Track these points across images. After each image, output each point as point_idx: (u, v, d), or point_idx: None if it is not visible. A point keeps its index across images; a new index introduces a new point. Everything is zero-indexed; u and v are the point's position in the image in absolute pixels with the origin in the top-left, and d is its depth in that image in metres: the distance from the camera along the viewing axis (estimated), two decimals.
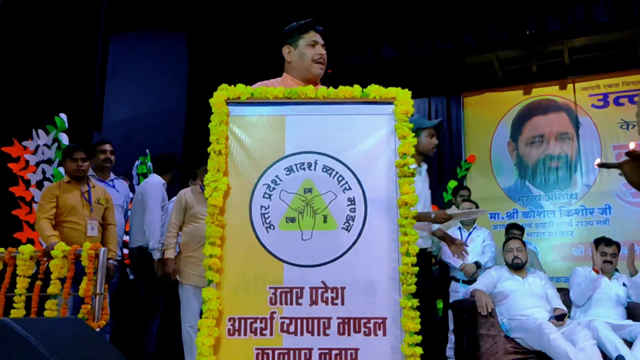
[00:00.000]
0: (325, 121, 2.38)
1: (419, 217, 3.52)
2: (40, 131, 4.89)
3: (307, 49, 2.62)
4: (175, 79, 6.70)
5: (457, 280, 5.34)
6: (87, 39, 5.60)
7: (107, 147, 4.70)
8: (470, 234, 5.46)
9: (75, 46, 5.41)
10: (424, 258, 3.62)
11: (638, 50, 6.79)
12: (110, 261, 3.98)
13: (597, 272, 4.23)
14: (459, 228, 5.53)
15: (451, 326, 5.27)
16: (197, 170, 4.41)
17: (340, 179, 2.32)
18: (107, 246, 4.01)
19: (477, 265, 5.16)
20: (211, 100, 2.35)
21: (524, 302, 4.14)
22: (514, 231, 5.79)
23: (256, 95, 2.37)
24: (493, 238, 5.54)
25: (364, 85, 2.43)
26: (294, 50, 2.65)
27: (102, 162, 4.62)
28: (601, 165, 1.79)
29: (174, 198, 4.55)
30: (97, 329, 3.29)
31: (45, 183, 4.77)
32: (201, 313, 3.76)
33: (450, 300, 5.35)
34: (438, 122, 3.82)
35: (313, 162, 2.34)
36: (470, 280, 5.08)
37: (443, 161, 7.66)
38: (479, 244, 5.38)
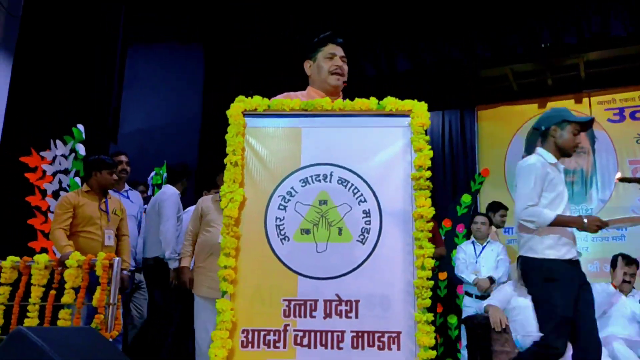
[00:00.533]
0: (341, 133, 2.38)
1: (566, 221, 3.05)
2: (58, 142, 4.95)
3: (325, 62, 2.64)
4: (191, 90, 6.76)
5: (470, 295, 5.30)
6: (105, 51, 5.68)
7: (123, 158, 4.77)
8: (484, 248, 5.41)
9: (93, 58, 5.49)
10: (567, 270, 3.10)
11: None
12: (124, 272, 4.01)
13: (615, 287, 4.18)
14: (472, 242, 5.49)
15: (464, 342, 5.21)
16: (217, 177, 4.38)
17: (355, 191, 2.32)
18: (121, 257, 4.04)
19: (491, 280, 5.11)
20: (228, 112, 2.37)
21: None
22: None
23: (273, 107, 2.39)
24: (507, 253, 5.49)
25: (377, 98, 2.43)
26: (313, 64, 2.69)
27: (119, 173, 4.66)
28: (622, 180, 1.77)
29: (189, 208, 4.56)
30: (110, 339, 3.30)
31: (62, 193, 4.81)
32: (212, 325, 3.74)
33: (463, 316, 5.30)
34: (589, 120, 3.28)
35: (329, 174, 2.33)
36: (483, 296, 5.04)
37: (457, 175, 7.62)
38: (493, 259, 5.33)
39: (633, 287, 4.43)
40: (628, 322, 4.19)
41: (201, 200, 4.16)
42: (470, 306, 5.19)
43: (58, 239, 3.85)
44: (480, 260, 5.31)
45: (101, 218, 4.07)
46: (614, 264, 4.46)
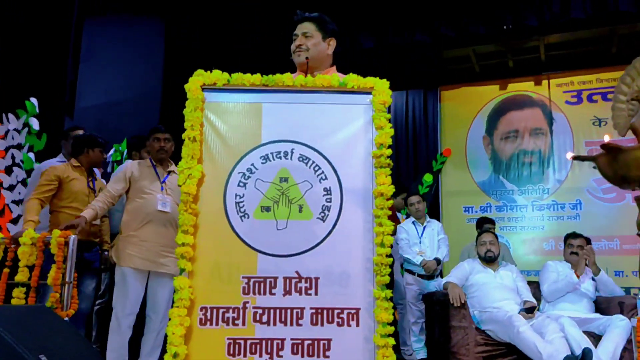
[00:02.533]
0: (302, 110, 2.36)
1: None
2: (10, 115, 4.77)
3: (293, 45, 2.63)
4: (151, 63, 6.58)
5: (412, 274, 5.21)
6: (60, 21, 5.46)
7: (80, 133, 4.62)
8: (425, 228, 5.34)
9: (48, 28, 5.28)
10: None
11: (612, 47, 6.89)
12: (106, 253, 3.93)
13: (578, 277, 4.28)
14: (413, 222, 5.38)
15: (411, 319, 5.22)
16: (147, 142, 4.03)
17: (316, 168, 2.30)
18: (103, 237, 4.01)
19: (437, 261, 5.09)
20: (186, 86, 2.31)
21: (495, 294, 4.19)
22: (486, 225, 5.85)
23: (232, 82, 2.34)
24: (445, 231, 5.47)
25: (342, 75, 2.42)
26: None
27: None
28: (575, 158, 1.80)
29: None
30: (66, 318, 3.23)
31: (15, 169, 4.65)
32: (138, 302, 3.65)
33: (407, 294, 5.26)
34: None
35: (289, 150, 2.32)
36: (426, 275, 5.08)
37: (419, 154, 7.70)
38: (435, 239, 5.29)
39: (586, 265, 4.55)
40: (580, 299, 4.30)
41: (130, 163, 3.89)
42: (412, 284, 5.18)
43: (27, 210, 3.64)
44: (424, 240, 5.25)
45: (89, 196, 3.94)
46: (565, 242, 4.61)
